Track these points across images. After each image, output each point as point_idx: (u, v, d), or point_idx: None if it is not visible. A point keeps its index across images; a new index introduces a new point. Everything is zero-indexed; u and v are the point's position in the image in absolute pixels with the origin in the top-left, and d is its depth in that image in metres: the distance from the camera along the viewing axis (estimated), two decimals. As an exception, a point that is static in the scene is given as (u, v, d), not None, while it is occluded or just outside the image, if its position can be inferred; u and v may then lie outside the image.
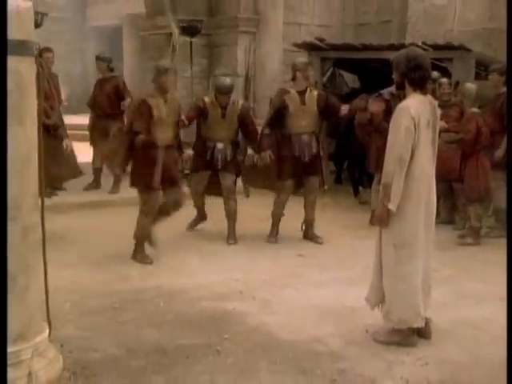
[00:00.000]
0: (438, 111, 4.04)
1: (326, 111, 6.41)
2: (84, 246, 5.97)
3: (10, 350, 3.14)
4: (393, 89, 6.54)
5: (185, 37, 9.74)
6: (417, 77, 3.88)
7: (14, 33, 3.06)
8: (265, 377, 3.54)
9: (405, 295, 3.94)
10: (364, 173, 8.15)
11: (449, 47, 8.09)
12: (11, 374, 3.12)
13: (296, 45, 9.55)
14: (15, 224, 3.16)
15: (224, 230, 6.43)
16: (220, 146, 6.32)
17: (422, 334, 4.07)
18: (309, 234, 6.57)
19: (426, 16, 9.74)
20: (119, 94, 8.27)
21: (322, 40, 9.55)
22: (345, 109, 6.41)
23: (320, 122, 6.44)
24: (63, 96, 8.78)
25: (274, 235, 6.49)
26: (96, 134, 8.40)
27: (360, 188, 8.53)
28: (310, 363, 3.70)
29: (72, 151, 6.50)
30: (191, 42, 9.79)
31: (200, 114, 6.36)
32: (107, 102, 8.29)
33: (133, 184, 5.68)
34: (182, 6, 10.34)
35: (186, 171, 6.89)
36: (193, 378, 3.49)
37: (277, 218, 6.51)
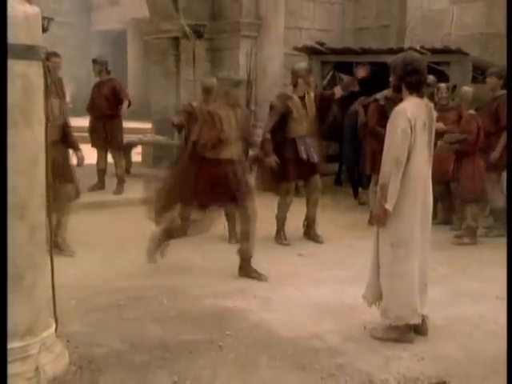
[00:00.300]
0: (434, 114, 4.12)
1: (324, 104, 6.55)
2: (89, 245, 6.03)
3: (18, 344, 3.22)
4: (387, 92, 6.69)
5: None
6: (413, 80, 3.96)
7: (22, 38, 3.14)
8: (265, 372, 3.60)
9: (402, 293, 4.01)
10: (363, 174, 8.23)
11: (446, 51, 8.16)
12: (19, 367, 3.21)
13: (297, 49, 9.63)
14: (23, 223, 3.23)
15: (225, 231, 6.48)
16: None
17: (418, 330, 4.13)
18: (310, 234, 6.66)
19: (424, 21, 9.79)
20: (117, 95, 8.49)
21: (322, 44, 9.64)
22: (338, 92, 6.56)
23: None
24: (68, 98, 8.93)
25: (283, 236, 6.57)
26: (96, 135, 8.56)
27: (360, 189, 8.60)
28: (309, 359, 3.76)
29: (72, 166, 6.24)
30: (194, 46, 9.93)
31: (189, 116, 6.24)
32: (106, 104, 8.48)
33: (186, 201, 5.27)
34: (186, 10, 10.45)
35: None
36: (195, 373, 3.54)
37: (282, 220, 6.58)
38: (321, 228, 6.76)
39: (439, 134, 6.06)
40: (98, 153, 8.64)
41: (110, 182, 8.57)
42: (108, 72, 8.66)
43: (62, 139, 5.85)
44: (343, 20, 12.07)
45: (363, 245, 4.59)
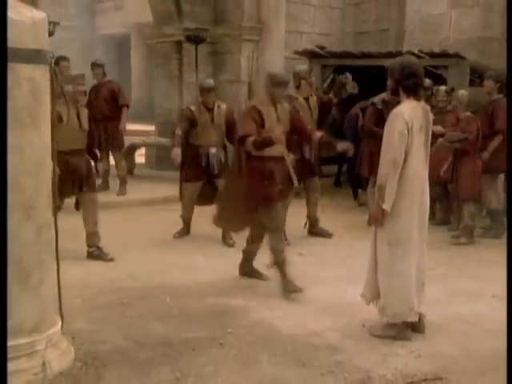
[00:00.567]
0: (431, 116, 4.18)
1: (323, 108, 6.73)
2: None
3: (25, 340, 3.30)
4: (385, 95, 6.78)
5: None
6: (410, 84, 4.03)
7: (29, 43, 3.22)
8: (266, 368, 3.66)
9: (399, 291, 4.07)
10: (362, 176, 8.29)
11: (444, 55, 8.25)
12: (26, 363, 3.29)
13: (297, 52, 9.72)
14: (30, 222, 3.30)
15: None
16: (213, 150, 6.40)
17: (415, 328, 4.18)
18: (316, 231, 6.75)
19: (422, 25, 9.86)
20: (115, 97, 8.65)
21: (322, 48, 9.74)
22: (333, 98, 6.77)
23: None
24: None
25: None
26: (97, 137, 8.65)
27: (359, 190, 8.65)
28: (309, 355, 3.82)
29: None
30: (196, 50, 10.03)
31: (189, 122, 6.39)
32: (106, 106, 8.64)
33: (252, 201, 4.92)
34: (188, 15, 10.55)
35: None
36: (197, 369, 3.60)
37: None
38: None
39: (437, 136, 6.15)
40: (101, 154, 8.74)
41: (114, 183, 8.67)
42: (104, 74, 8.82)
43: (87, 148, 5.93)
44: (343, 24, 12.17)
45: (362, 245, 4.64)
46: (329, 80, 9.66)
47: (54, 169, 3.53)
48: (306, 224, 6.81)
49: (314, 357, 3.81)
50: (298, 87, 6.61)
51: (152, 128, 12.02)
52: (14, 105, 3.19)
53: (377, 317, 4.21)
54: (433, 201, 6.67)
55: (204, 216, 6.73)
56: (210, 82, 6.67)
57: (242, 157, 4.91)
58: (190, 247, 6.29)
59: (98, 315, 4.38)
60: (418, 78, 4.07)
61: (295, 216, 6.64)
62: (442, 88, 7.37)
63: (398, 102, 4.13)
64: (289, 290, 4.84)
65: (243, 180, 4.89)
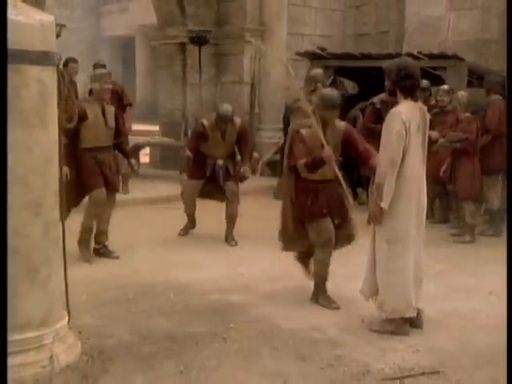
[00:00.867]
0: (428, 116, 4.25)
1: None
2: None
3: (33, 334, 3.37)
4: (383, 96, 6.85)
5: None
6: (407, 85, 4.10)
7: (37, 45, 3.29)
8: (267, 362, 3.73)
9: (397, 287, 4.14)
10: (362, 175, 8.34)
11: (443, 56, 8.32)
12: (34, 356, 3.36)
13: (299, 54, 9.79)
14: (38, 220, 3.36)
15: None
16: (220, 162, 6.49)
17: (414, 323, 4.24)
18: None
19: (421, 27, 9.93)
20: (120, 97, 8.69)
21: (323, 49, 9.78)
22: None
23: None
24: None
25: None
26: None
27: (359, 190, 8.65)
28: (309, 350, 3.88)
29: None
30: (200, 51, 10.12)
31: (201, 138, 6.47)
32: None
33: (300, 219, 4.81)
34: (192, 17, 10.67)
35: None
36: (200, 363, 3.66)
37: None
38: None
39: (432, 142, 6.20)
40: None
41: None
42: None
43: (116, 145, 5.95)
44: (344, 26, 12.26)
45: (362, 243, 4.71)
46: (330, 81, 9.74)
47: (60, 169, 3.59)
48: None
49: (314, 351, 3.87)
50: (313, 90, 6.66)
51: (156, 128, 12.13)
52: (23, 105, 3.25)
53: (376, 312, 4.28)
54: (432, 199, 6.76)
55: (207, 212, 6.87)
56: (228, 110, 6.39)
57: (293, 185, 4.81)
58: (194, 245, 6.36)
59: (103, 310, 4.45)
60: (415, 79, 4.13)
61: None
62: (444, 87, 7.44)
63: (397, 103, 4.19)
64: (325, 305, 4.70)
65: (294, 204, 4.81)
